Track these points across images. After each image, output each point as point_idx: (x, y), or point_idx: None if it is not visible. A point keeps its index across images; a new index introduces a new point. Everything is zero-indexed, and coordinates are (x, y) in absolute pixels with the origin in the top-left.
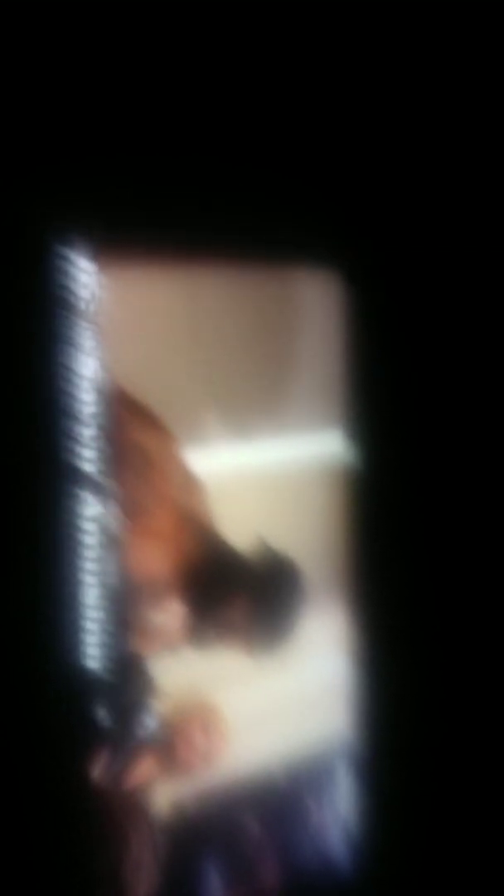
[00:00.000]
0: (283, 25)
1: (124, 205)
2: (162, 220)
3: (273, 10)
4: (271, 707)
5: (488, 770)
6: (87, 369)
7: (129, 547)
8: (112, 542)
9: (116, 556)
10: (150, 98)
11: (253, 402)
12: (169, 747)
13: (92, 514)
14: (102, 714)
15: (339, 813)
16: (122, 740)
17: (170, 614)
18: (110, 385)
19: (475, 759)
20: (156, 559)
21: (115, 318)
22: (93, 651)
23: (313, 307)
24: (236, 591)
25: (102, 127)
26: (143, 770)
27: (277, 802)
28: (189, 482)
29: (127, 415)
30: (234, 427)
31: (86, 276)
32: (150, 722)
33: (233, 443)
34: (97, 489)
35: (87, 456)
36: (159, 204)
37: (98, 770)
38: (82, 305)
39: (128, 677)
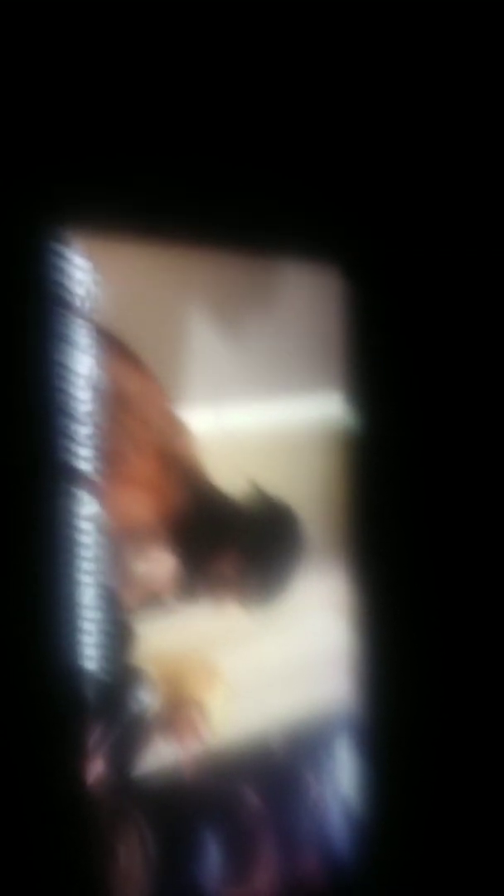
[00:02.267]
0: (285, 23)
1: (120, 201)
2: (158, 215)
3: (273, 7)
4: (270, 672)
5: (489, 740)
6: (83, 366)
7: (112, 495)
8: (102, 475)
9: (106, 495)
10: (150, 96)
11: (255, 370)
12: (170, 716)
13: (86, 511)
14: (96, 691)
15: (338, 783)
16: (116, 717)
17: (157, 563)
18: (98, 328)
19: (476, 728)
20: (140, 506)
21: (110, 311)
22: (85, 627)
23: (315, 286)
24: (227, 540)
25: (99, 124)
26: (144, 741)
27: (278, 773)
28: (173, 427)
29: (110, 358)
30: (232, 392)
31: (81, 272)
32: (144, 695)
33: (232, 406)
34: (90, 484)
35: (83, 453)
36: (158, 201)
37: (93, 747)
38: (77, 302)
39: (119, 654)
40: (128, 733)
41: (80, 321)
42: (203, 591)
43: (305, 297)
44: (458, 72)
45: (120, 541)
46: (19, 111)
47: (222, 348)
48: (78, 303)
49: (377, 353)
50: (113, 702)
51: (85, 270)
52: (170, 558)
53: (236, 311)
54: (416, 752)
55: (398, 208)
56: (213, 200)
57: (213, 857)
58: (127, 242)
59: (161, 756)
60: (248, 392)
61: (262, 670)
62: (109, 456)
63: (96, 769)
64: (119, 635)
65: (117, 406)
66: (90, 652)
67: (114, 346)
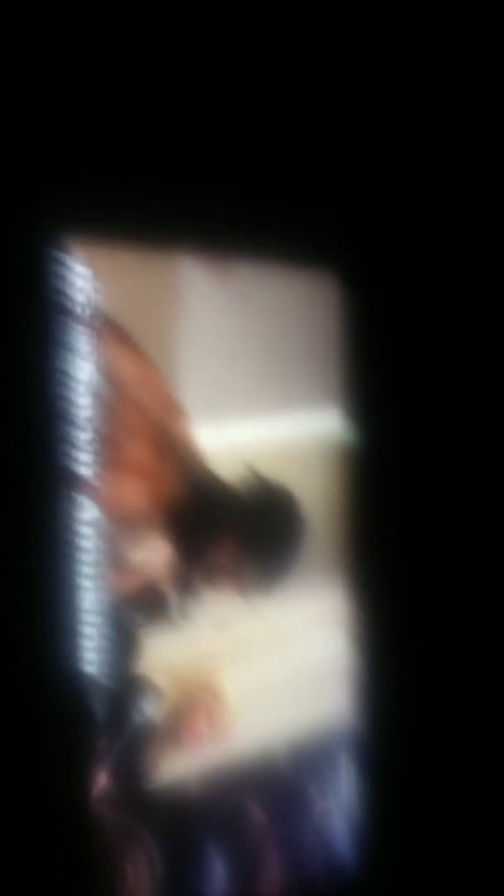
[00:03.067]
0: (285, 26)
1: (119, 208)
2: (157, 222)
3: (276, 11)
4: (272, 687)
5: (488, 753)
6: (83, 372)
7: (107, 482)
8: (97, 460)
9: (100, 481)
10: (149, 102)
11: (252, 382)
12: (173, 730)
13: (86, 516)
14: (99, 703)
15: (341, 797)
16: (120, 728)
17: (153, 551)
18: (96, 311)
19: (475, 742)
20: (136, 493)
21: (114, 316)
22: (88, 637)
23: (312, 295)
24: (224, 527)
25: (99, 131)
26: (147, 754)
27: (280, 787)
28: (169, 412)
29: (105, 341)
30: (234, 407)
31: (80, 279)
32: (147, 708)
33: (233, 422)
34: (90, 489)
35: (82, 458)
36: (155, 205)
37: (97, 760)
38: (77, 309)
39: (123, 664)
40: (132, 746)
41: (79, 327)
42: (200, 579)
43: (304, 305)
44: (457, 76)
45: (116, 529)
46: (19, 117)
47: (220, 357)
48: (77, 309)
49: (376, 364)
50: (117, 714)
51: (84, 277)
52: (166, 546)
53: (234, 318)
54: (417, 765)
55: (397, 215)
56: (212, 208)
57: (218, 872)
58: (125, 249)
59: (166, 769)
60: (247, 404)
61: (265, 685)
62: (105, 442)
63: (101, 782)
64: (122, 646)
65: (112, 391)
66: (93, 664)
67: (109, 329)
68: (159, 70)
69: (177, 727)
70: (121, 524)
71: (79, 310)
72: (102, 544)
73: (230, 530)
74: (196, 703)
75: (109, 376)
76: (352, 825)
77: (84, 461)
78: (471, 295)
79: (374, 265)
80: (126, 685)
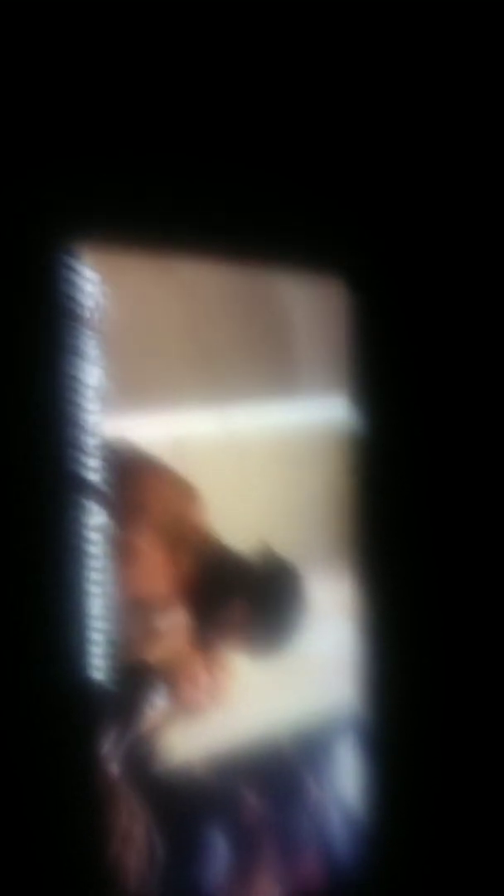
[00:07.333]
0: (288, 26)
1: (127, 213)
2: (165, 226)
3: (279, 11)
4: (276, 675)
5: (495, 747)
6: (91, 377)
7: (128, 564)
8: (113, 553)
9: (117, 572)
10: (153, 105)
11: (256, 382)
12: (174, 689)
13: (95, 522)
14: (106, 697)
15: (342, 786)
16: (128, 721)
17: (172, 623)
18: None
19: (480, 733)
20: (155, 574)
21: (119, 323)
22: (97, 653)
23: (316, 297)
24: (237, 596)
25: (105, 135)
26: (152, 719)
27: (283, 776)
28: (185, 495)
29: (123, 476)
30: (238, 396)
31: (89, 284)
32: (157, 699)
33: (238, 412)
34: (100, 497)
35: (91, 464)
36: (163, 210)
37: (105, 751)
38: (86, 314)
39: (129, 659)
40: (138, 731)
41: (89, 332)
42: (214, 642)
43: (312, 307)
44: (460, 84)
45: (135, 611)
46: (28, 123)
47: (227, 355)
48: (87, 314)
49: (383, 363)
50: (124, 704)
51: (93, 282)
52: (184, 618)
53: (241, 319)
54: (421, 757)
55: (404, 218)
56: (220, 212)
57: (216, 861)
58: (134, 254)
59: (169, 752)
60: (255, 397)
61: (268, 673)
62: (129, 529)
63: (104, 767)
64: (128, 642)
65: (133, 511)
66: (100, 658)
67: (125, 464)
68: (167, 74)
69: (179, 684)
70: (143, 601)
71: (87, 314)
72: (123, 623)
73: (242, 598)
74: (197, 661)
75: (131, 502)
76: (355, 817)
77: (92, 466)
78: (478, 290)
79: (381, 265)
80: (134, 678)
